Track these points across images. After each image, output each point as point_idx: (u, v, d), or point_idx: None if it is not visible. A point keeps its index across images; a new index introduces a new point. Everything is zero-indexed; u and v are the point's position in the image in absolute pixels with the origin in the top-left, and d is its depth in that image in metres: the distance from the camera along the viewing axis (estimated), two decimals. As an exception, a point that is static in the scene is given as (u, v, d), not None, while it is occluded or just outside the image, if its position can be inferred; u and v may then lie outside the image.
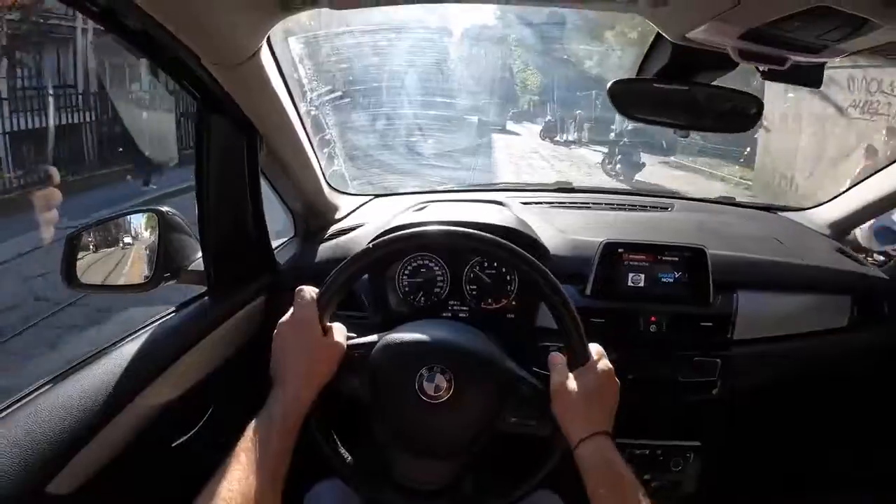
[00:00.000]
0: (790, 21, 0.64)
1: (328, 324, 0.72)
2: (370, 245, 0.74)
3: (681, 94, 0.83)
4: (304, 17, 0.74)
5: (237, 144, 0.90)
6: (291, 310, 0.71)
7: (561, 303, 0.71)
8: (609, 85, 0.81)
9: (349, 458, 0.73)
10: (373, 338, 0.75)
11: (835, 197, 1.38)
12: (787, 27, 0.67)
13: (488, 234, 0.73)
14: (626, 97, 0.82)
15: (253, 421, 0.63)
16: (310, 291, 0.72)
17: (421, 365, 0.70)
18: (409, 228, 0.77)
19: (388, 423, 0.73)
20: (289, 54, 0.86)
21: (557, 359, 0.73)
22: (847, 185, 1.35)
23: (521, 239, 1.02)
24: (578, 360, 0.71)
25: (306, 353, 0.69)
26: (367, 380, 0.72)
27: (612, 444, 0.66)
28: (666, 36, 0.77)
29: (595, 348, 0.73)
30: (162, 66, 0.73)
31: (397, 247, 0.76)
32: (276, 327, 0.71)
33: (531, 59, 13.00)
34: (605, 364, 0.71)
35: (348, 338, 0.74)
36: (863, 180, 1.30)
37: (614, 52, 9.74)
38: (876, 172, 1.26)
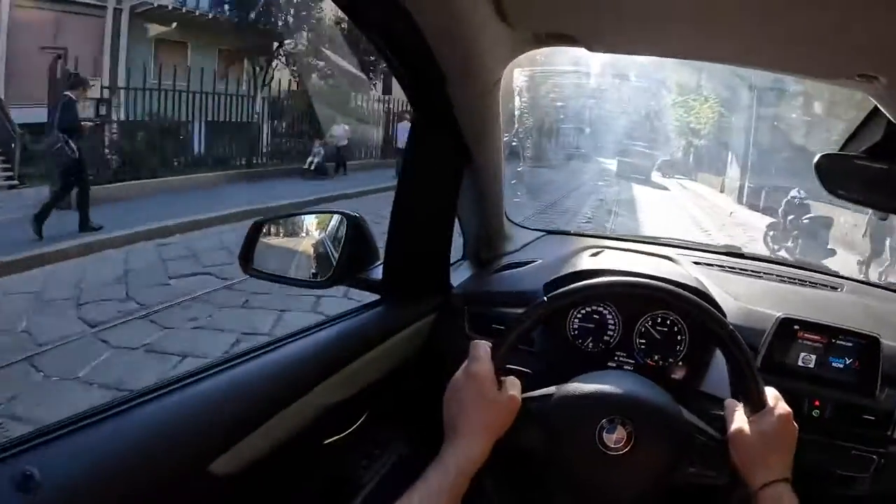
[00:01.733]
0: None
1: (502, 377, 0.72)
2: (546, 298, 0.75)
3: (887, 174, 0.80)
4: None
5: (447, 166, 0.94)
6: (465, 364, 0.72)
7: (733, 342, 0.71)
8: (816, 158, 0.80)
9: None
10: (550, 390, 0.75)
11: None
12: None
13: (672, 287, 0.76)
14: (832, 172, 0.81)
15: (429, 468, 0.65)
16: (484, 346, 0.72)
17: (601, 416, 0.69)
18: (585, 276, 0.78)
19: (562, 475, 0.72)
20: (510, 85, 0.91)
21: (734, 405, 0.72)
22: None
23: (702, 299, 1.00)
24: (756, 405, 0.69)
25: (482, 407, 0.69)
26: (543, 432, 0.71)
27: (791, 493, 0.65)
28: (888, 116, 0.75)
29: (771, 392, 0.71)
30: (403, 81, 0.79)
31: (572, 299, 0.78)
32: (450, 381, 0.72)
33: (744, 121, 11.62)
34: (783, 408, 0.70)
35: (523, 389, 0.74)
36: None
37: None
38: None
